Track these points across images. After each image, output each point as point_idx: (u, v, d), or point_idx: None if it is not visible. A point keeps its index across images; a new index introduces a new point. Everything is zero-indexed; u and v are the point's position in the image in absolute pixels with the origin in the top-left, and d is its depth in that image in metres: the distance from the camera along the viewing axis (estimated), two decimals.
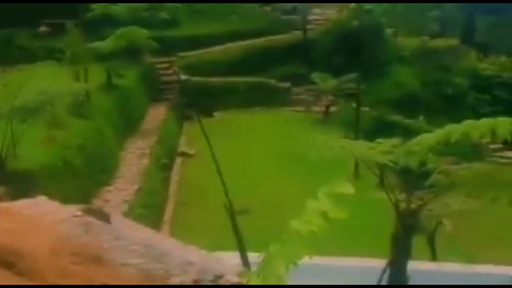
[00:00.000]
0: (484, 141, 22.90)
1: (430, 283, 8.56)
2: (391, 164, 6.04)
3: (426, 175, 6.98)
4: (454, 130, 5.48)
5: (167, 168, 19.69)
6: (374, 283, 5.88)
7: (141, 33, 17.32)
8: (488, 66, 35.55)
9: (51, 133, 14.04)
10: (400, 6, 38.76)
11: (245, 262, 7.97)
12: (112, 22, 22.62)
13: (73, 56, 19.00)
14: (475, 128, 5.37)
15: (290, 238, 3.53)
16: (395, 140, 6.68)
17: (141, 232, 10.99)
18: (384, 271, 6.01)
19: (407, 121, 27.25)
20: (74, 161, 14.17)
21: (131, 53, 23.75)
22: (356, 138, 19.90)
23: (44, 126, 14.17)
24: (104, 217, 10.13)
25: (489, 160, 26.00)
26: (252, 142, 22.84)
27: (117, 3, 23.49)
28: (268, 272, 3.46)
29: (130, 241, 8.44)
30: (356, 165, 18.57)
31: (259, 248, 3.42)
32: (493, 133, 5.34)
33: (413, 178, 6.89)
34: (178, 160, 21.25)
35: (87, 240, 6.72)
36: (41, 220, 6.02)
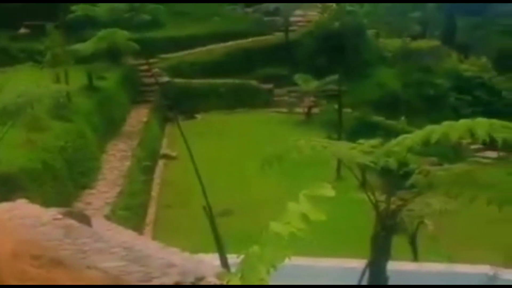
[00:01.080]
0: (465, 141, 23.11)
1: (410, 283, 8.61)
2: (371, 165, 6.07)
3: (407, 175, 7.02)
4: (434, 131, 5.52)
5: (149, 170, 19.64)
6: (354, 283, 5.91)
7: (122, 35, 17.22)
8: (468, 67, 35.84)
9: (31, 136, 13.94)
10: (381, 7, 38.99)
11: (224, 263, 7.96)
12: (93, 24, 22.51)
13: (53, 58, 18.87)
14: (454, 129, 5.41)
15: (270, 240, 3.53)
16: (376, 141, 6.71)
17: (122, 235, 10.97)
18: (364, 271, 6.04)
19: (389, 121, 27.40)
20: (55, 164, 14.07)
21: (112, 55, 23.65)
22: (339, 139, 19.95)
23: (24, 129, 14.06)
24: (84, 220, 10.10)
25: (471, 160, 26.22)
26: (234, 143, 22.84)
27: (98, 4, 23.37)
28: (249, 274, 3.45)
29: (111, 244, 8.42)
30: (339, 166, 18.63)
31: (241, 250, 3.42)
32: (472, 134, 5.39)
33: (394, 178, 6.92)
34: (160, 162, 21.21)
35: (59, 243, 6.67)
36: (4, 223, 5.98)
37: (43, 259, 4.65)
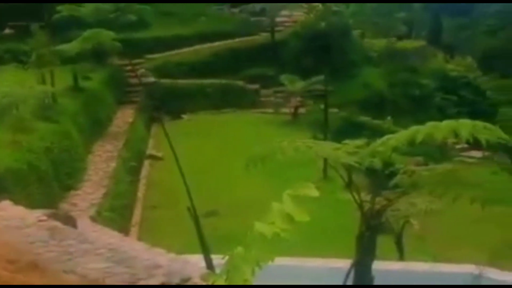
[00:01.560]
0: (450, 141, 23.26)
1: (396, 282, 8.64)
2: (356, 165, 6.09)
3: (393, 175, 7.05)
4: (418, 131, 5.55)
5: (135, 171, 19.58)
6: (339, 283, 5.93)
7: (107, 35, 17.10)
8: (454, 67, 36.05)
9: (16, 137, 13.84)
10: (367, 7, 39.12)
11: (209, 264, 7.96)
12: (78, 24, 22.40)
13: (38, 59, 18.76)
14: (438, 129, 5.45)
15: (254, 241, 3.52)
16: (361, 141, 6.73)
17: (108, 236, 10.93)
18: (349, 271, 6.06)
19: (375, 121, 27.49)
20: (40, 165, 13.98)
21: (97, 55, 23.56)
22: (325, 139, 20.00)
23: (9, 130, 13.97)
24: (70, 221, 10.06)
25: (456, 160, 26.39)
26: (221, 144, 22.83)
27: (83, 4, 23.24)
28: (233, 275, 3.44)
29: (96, 245, 8.40)
30: (325, 166, 18.66)
31: (227, 250, 3.42)
32: (456, 134, 5.43)
33: (379, 178, 6.94)
34: (146, 163, 21.15)
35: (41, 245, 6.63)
36: None
37: (19, 263, 4.62)
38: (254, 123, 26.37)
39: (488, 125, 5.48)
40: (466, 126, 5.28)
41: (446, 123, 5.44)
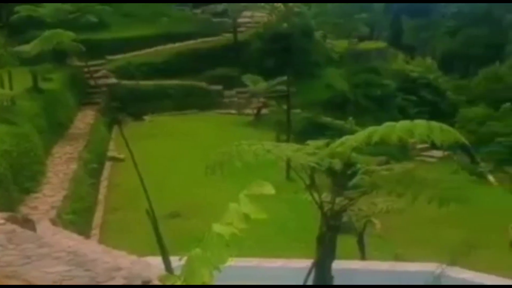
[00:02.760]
0: (411, 141, 23.52)
1: (357, 281, 8.69)
2: (316, 166, 6.11)
3: (355, 175, 7.09)
4: (375, 131, 5.59)
5: (96, 173, 19.35)
6: (300, 283, 5.94)
7: (67, 36, 16.88)
8: (414, 68, 36.51)
9: None
10: (328, 8, 39.35)
11: (168, 266, 7.92)
12: (38, 25, 22.08)
13: None
14: (394, 129, 5.50)
15: (212, 242, 3.50)
16: (321, 142, 6.76)
17: (68, 239, 10.79)
18: (309, 271, 6.07)
19: (337, 122, 27.69)
20: None
21: (57, 56, 23.25)
22: (288, 140, 20.09)
23: None
24: (28, 224, 9.91)
25: (417, 159, 26.73)
26: (183, 145, 22.72)
27: (42, 4, 22.93)
28: (191, 277, 3.42)
29: (56, 249, 8.30)
30: (288, 167, 18.70)
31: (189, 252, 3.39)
32: (411, 135, 5.48)
33: (340, 179, 6.98)
34: (108, 165, 20.93)
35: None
36: None
37: None
38: (217, 124, 26.32)
39: (444, 126, 5.54)
40: (421, 126, 5.34)
41: (402, 124, 5.49)
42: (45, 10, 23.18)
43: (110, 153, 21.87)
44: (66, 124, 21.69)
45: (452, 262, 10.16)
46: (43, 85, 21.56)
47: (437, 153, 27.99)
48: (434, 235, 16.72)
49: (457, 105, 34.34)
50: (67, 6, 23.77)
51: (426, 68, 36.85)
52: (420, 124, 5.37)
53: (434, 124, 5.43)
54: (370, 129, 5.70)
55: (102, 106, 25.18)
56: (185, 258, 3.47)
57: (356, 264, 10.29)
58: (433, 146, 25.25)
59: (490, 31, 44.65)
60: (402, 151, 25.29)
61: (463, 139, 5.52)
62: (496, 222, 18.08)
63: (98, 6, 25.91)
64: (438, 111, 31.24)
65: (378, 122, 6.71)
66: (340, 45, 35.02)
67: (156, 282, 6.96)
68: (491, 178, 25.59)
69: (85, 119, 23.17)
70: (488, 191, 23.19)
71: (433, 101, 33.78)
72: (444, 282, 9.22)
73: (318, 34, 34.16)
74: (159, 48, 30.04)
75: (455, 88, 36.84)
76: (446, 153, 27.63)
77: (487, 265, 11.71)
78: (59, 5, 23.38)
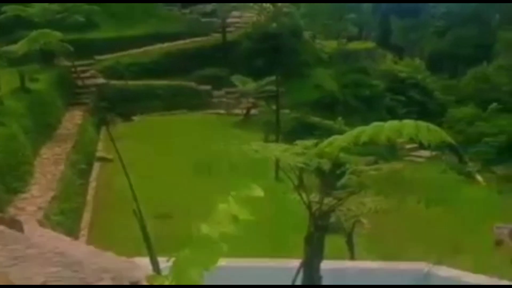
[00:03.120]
0: (400, 141, 23.58)
1: (346, 281, 8.70)
2: (303, 166, 6.11)
3: (344, 175, 7.10)
4: (363, 131, 5.60)
5: (84, 173, 19.29)
6: (288, 283, 5.94)
7: (55, 36, 16.89)
8: (403, 68, 36.59)
9: None
10: (317, 8, 39.39)
11: (156, 267, 7.91)
12: (25, 25, 21.98)
13: None
14: (382, 129, 5.51)
15: (201, 242, 3.51)
16: (310, 142, 6.76)
17: (56, 240, 10.74)
18: (298, 271, 6.08)
19: (326, 122, 27.72)
20: None
21: (45, 56, 23.15)
22: (277, 140, 20.08)
23: None
24: (16, 225, 9.85)
25: (406, 159, 26.79)
26: (172, 145, 22.67)
27: (30, 4, 22.83)
28: (180, 277, 3.42)
29: (43, 250, 8.25)
30: (277, 168, 18.69)
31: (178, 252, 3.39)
32: (400, 134, 5.49)
33: (328, 179, 6.99)
34: (96, 165, 20.85)
35: None
36: None
37: None
38: (206, 124, 26.28)
39: (431, 126, 5.55)
40: (409, 126, 5.36)
41: (390, 124, 5.51)
42: (33, 10, 23.11)
43: (99, 154, 21.78)
44: (54, 125, 21.61)
45: (439, 262, 10.18)
46: (31, 85, 21.47)
47: (426, 153, 28.07)
48: (425, 234, 16.77)
49: (446, 105, 34.46)
50: (55, 6, 23.69)
51: (415, 68, 36.93)
52: (408, 124, 5.39)
53: (422, 124, 5.44)
54: (359, 129, 5.71)
55: (91, 106, 25.10)
56: (173, 259, 3.47)
57: (345, 264, 10.31)
58: (422, 146, 25.32)
59: (479, 31, 44.82)
60: (390, 151, 25.34)
61: (449, 139, 5.54)
62: (482, 222, 18.18)
63: (86, 6, 25.84)
64: (426, 111, 31.34)
65: (367, 122, 6.72)
66: (329, 45, 35.07)
67: (144, 283, 6.94)
68: (479, 177, 25.72)
69: (73, 120, 23.08)
70: (475, 190, 23.30)
71: (422, 101, 33.89)
72: (433, 280, 9.24)
73: (307, 34, 34.20)
74: (148, 48, 29.97)
75: (443, 88, 36.95)
76: (434, 153, 27.73)
77: (473, 264, 11.77)
78: (46, 5, 23.29)
